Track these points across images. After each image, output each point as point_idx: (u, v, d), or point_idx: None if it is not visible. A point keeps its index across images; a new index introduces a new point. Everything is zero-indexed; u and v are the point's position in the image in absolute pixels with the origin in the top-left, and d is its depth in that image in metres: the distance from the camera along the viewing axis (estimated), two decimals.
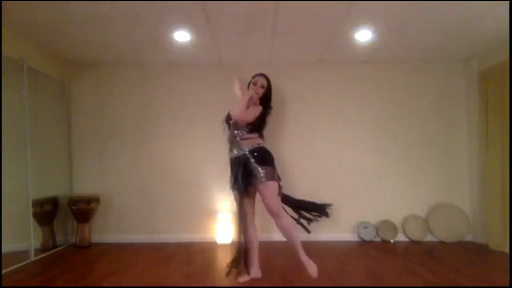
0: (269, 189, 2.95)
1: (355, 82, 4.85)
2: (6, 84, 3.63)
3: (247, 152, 3.00)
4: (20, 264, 3.65)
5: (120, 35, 3.84)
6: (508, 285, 2.96)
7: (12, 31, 3.66)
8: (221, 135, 4.78)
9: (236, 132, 3.06)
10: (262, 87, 3.15)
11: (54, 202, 4.37)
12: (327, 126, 4.82)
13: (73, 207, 4.46)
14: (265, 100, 3.19)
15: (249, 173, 2.96)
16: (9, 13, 3.25)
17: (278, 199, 3.07)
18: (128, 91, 4.84)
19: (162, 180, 4.80)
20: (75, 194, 4.65)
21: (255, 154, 3.00)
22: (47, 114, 4.43)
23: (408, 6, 3.21)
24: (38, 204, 4.08)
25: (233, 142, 3.08)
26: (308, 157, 4.81)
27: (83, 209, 4.47)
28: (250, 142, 3.05)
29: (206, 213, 4.77)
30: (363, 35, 3.87)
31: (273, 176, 3.00)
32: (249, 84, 3.18)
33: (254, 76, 3.22)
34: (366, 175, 4.78)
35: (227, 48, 4.26)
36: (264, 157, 3.03)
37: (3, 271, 3.40)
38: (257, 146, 3.05)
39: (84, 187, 4.76)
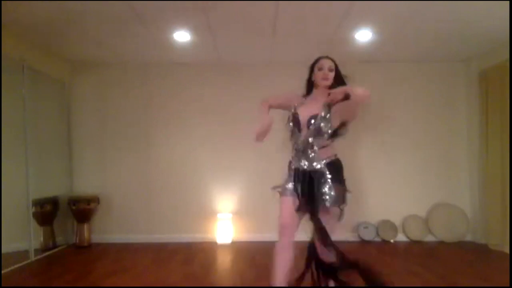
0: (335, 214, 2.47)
1: (355, 82, 4.83)
2: (6, 84, 3.63)
3: (323, 166, 2.43)
4: (20, 264, 3.65)
5: (120, 35, 3.84)
6: (508, 285, 2.96)
7: (12, 31, 3.65)
8: (221, 135, 4.85)
9: (311, 139, 2.40)
10: (331, 70, 2.53)
11: (54, 202, 4.37)
12: None
13: (73, 207, 4.45)
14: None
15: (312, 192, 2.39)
16: (9, 13, 3.25)
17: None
18: (128, 91, 4.84)
19: (162, 180, 4.80)
20: (75, 194, 4.64)
21: (332, 168, 2.45)
22: (47, 114, 4.43)
23: (408, 6, 3.21)
24: (38, 204, 4.08)
25: (305, 150, 2.43)
26: None
27: (83, 209, 4.47)
28: (327, 152, 2.46)
29: (206, 213, 4.76)
30: (363, 35, 3.87)
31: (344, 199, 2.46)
32: (311, 71, 2.58)
33: (316, 61, 2.58)
34: (366, 175, 4.77)
35: (227, 48, 4.26)
36: (340, 173, 2.53)
37: (3, 271, 3.39)
38: (335, 157, 2.51)
39: (84, 187, 4.76)
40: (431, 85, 4.81)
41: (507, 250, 3.97)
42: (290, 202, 2.43)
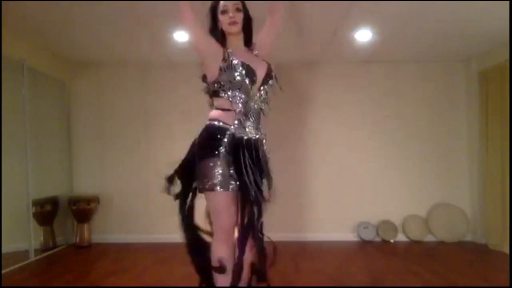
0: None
1: (355, 82, 4.85)
2: (6, 84, 3.63)
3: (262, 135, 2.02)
4: (20, 264, 3.64)
5: (120, 35, 3.84)
6: (508, 285, 2.96)
7: (12, 31, 3.65)
8: None
9: (265, 97, 1.99)
10: (238, 10, 1.97)
11: (54, 202, 4.36)
12: (327, 126, 4.82)
13: (73, 207, 4.45)
14: (249, 34, 2.09)
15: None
16: (10, 13, 3.24)
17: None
18: (128, 91, 4.84)
19: (162, 179, 4.79)
20: (75, 194, 4.64)
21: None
22: (47, 114, 4.43)
23: (408, 6, 3.21)
24: (38, 204, 4.08)
25: (254, 113, 1.97)
26: (307, 158, 4.80)
27: (83, 209, 4.47)
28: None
29: (206, 213, 4.75)
30: (363, 35, 3.87)
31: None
32: (214, 16, 2.02)
33: (216, 3, 2.01)
34: (366, 175, 4.77)
35: None
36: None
37: (3, 271, 3.39)
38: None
39: (84, 187, 4.76)
40: (431, 85, 4.81)
41: (507, 250, 3.97)
42: (232, 198, 2.00)
